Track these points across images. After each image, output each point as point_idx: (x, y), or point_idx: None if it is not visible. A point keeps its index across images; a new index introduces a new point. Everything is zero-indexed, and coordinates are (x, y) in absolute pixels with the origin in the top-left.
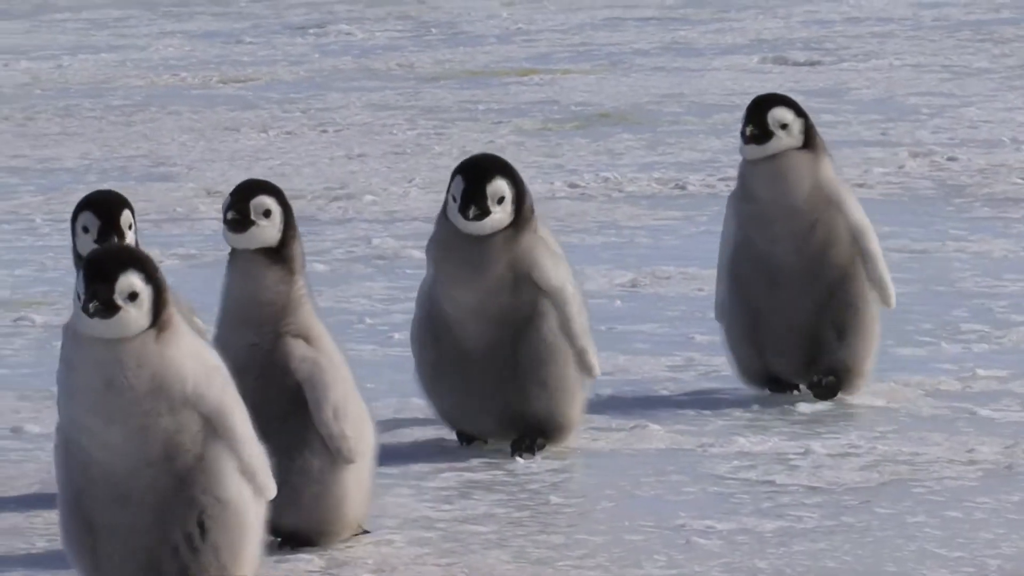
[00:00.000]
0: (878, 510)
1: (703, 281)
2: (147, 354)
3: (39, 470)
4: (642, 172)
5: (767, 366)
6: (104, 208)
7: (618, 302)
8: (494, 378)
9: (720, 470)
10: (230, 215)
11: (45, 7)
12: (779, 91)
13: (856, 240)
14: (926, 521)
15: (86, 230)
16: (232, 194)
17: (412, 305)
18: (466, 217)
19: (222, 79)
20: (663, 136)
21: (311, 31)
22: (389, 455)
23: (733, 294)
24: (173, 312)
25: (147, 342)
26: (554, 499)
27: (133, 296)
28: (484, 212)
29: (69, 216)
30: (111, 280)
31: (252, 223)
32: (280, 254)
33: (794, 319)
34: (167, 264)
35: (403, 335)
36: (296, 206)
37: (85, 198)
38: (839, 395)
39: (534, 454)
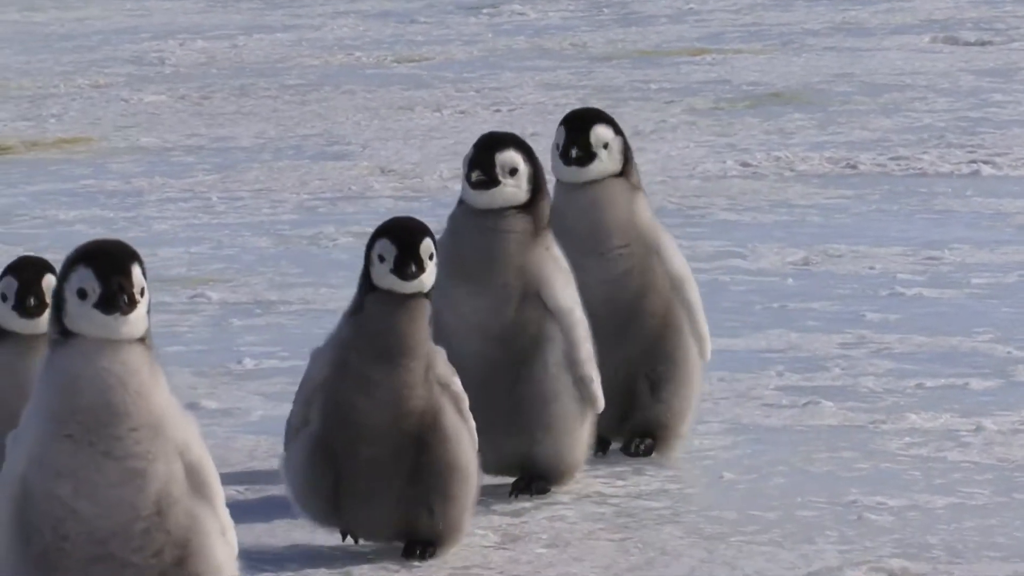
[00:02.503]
0: None
1: (874, 259)
2: (144, 381)
3: (215, 446)
4: (813, 151)
5: None
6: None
7: (790, 280)
8: (494, 412)
9: (891, 447)
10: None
11: None
12: (944, 71)
13: (675, 289)
14: None
15: None
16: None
17: None
18: (471, 184)
19: (396, 58)
20: (834, 115)
21: (484, 11)
22: None
23: None
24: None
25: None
26: (727, 475)
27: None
28: (492, 180)
29: (244, 194)
30: (128, 273)
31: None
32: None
33: (605, 372)
34: (341, 242)
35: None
36: None
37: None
38: (653, 454)
39: (532, 496)
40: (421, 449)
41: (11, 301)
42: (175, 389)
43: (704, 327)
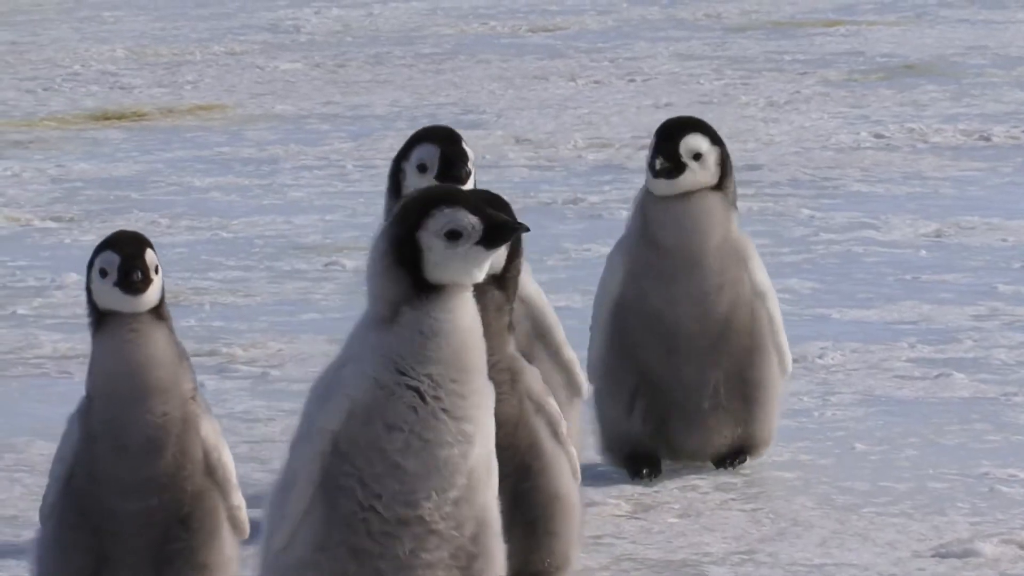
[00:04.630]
0: None
1: (1007, 231)
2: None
3: None
4: (947, 123)
5: (644, 439)
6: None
7: (923, 252)
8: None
9: (1023, 419)
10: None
11: None
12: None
13: (760, 303)
14: None
15: None
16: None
17: None
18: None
19: (531, 28)
20: (967, 88)
21: None
22: None
23: (615, 355)
24: None
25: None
26: (859, 446)
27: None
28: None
29: (379, 162)
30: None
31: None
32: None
33: (696, 391)
34: None
35: None
36: (605, 154)
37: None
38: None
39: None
40: (521, 476)
41: (112, 277)
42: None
43: (784, 341)
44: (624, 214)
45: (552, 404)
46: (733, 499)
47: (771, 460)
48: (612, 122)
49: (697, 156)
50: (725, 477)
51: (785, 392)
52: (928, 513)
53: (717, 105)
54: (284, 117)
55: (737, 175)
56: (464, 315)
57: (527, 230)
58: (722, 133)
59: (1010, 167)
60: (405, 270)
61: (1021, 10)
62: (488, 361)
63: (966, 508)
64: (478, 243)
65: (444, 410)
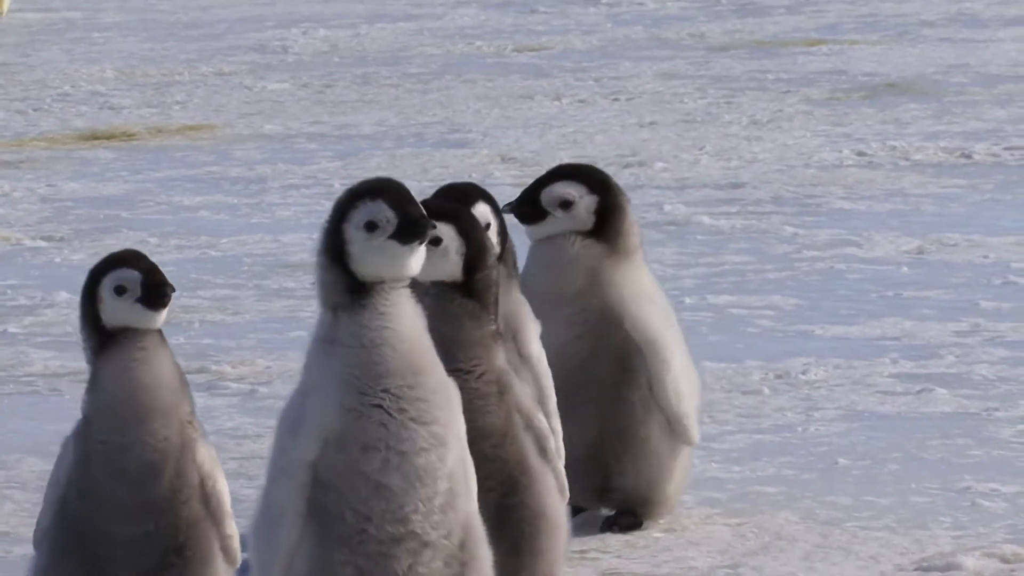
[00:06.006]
0: None
1: (988, 248)
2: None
3: None
4: (928, 141)
5: None
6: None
7: (904, 268)
8: None
9: (1005, 434)
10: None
11: None
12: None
13: (643, 361)
14: None
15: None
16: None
17: (703, 270)
18: None
19: (516, 48)
20: (949, 106)
21: (603, 1)
22: None
23: None
24: None
25: None
26: (842, 461)
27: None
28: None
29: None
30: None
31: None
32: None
33: (577, 438)
34: None
35: (693, 300)
36: None
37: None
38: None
39: None
40: (508, 491)
41: (135, 293)
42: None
43: (680, 406)
44: None
45: (541, 420)
46: (718, 514)
47: (755, 475)
48: (596, 140)
49: (565, 204)
50: (710, 492)
51: (687, 459)
52: (911, 527)
53: (700, 123)
54: (272, 137)
55: (720, 193)
56: (399, 316)
57: (434, 227)
58: (705, 151)
59: (991, 184)
60: (339, 268)
61: (1001, 29)
62: (474, 371)
63: (948, 522)
64: (391, 237)
65: (412, 419)
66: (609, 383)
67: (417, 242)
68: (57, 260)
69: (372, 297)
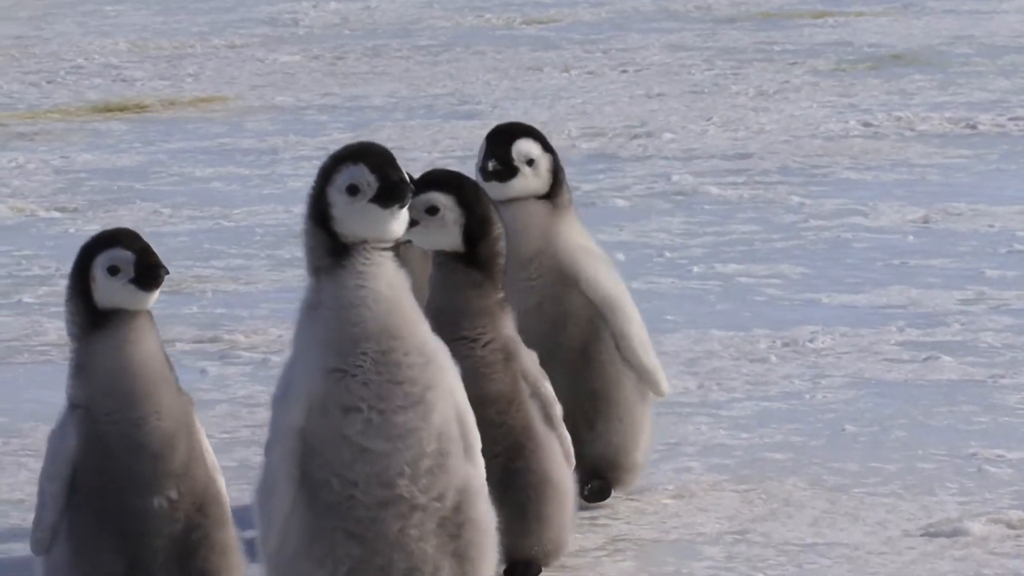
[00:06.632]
0: None
1: (993, 217)
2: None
3: None
4: (933, 111)
5: None
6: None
7: (910, 237)
8: None
9: (1011, 401)
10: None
11: None
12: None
13: (604, 322)
14: None
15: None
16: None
17: (711, 239)
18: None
19: (525, 20)
20: (954, 76)
21: None
22: (688, 386)
23: None
24: None
25: None
26: (849, 428)
27: None
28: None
29: None
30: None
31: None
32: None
33: None
34: None
35: (701, 268)
36: (598, 143)
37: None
38: (613, 493)
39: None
40: (512, 456)
41: (128, 273)
42: None
43: (647, 360)
44: (619, 202)
45: (547, 387)
46: (726, 480)
47: (763, 442)
48: (605, 112)
49: (530, 161)
50: (718, 459)
51: (647, 409)
52: (917, 493)
53: (708, 94)
54: (283, 108)
55: (727, 163)
56: (377, 276)
57: (413, 192)
58: (713, 122)
59: (996, 154)
60: (323, 231)
61: (1005, 1)
62: (479, 339)
63: (954, 488)
64: (372, 200)
65: (390, 380)
66: (578, 347)
67: (397, 205)
68: (71, 231)
69: (352, 258)
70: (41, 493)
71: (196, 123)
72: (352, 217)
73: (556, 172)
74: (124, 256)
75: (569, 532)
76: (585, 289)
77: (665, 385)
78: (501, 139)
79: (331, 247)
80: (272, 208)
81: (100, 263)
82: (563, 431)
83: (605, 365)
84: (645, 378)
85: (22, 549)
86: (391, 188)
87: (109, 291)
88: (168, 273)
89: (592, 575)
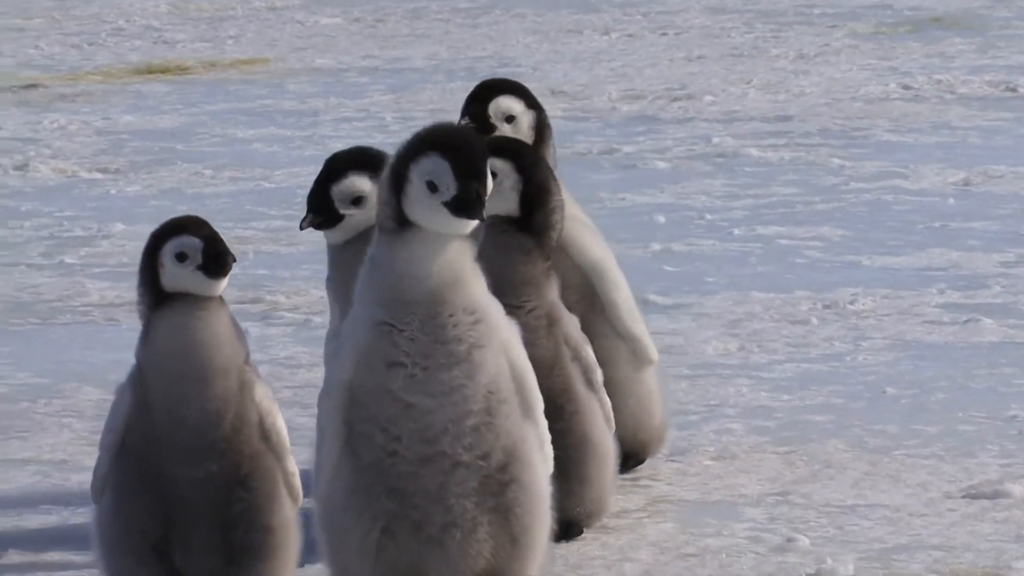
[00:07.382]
0: None
1: None
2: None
3: None
4: (973, 74)
5: None
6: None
7: (951, 200)
8: None
9: None
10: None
11: None
12: None
13: (592, 285)
14: None
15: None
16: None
17: (752, 202)
18: None
19: None
20: (993, 40)
21: None
22: (730, 348)
23: None
24: None
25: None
26: (890, 390)
27: None
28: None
29: (418, 114)
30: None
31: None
32: None
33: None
34: None
35: (742, 231)
36: (638, 106)
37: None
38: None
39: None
40: (554, 417)
41: (196, 260)
42: None
43: (635, 327)
44: (660, 164)
45: (589, 352)
46: (767, 442)
47: (804, 404)
48: (645, 74)
49: (510, 118)
50: (759, 421)
51: (653, 382)
52: (958, 455)
53: (748, 58)
54: (324, 70)
55: (768, 126)
56: (432, 258)
57: (482, 220)
58: (753, 85)
59: None
60: (396, 200)
61: None
62: (523, 306)
63: (995, 450)
64: (446, 203)
65: (436, 340)
66: (579, 319)
67: (468, 218)
68: (113, 192)
69: (414, 231)
70: (101, 443)
71: (237, 85)
72: (419, 206)
73: (540, 129)
74: (192, 243)
75: (611, 493)
76: (575, 256)
77: (653, 352)
78: (479, 96)
79: (398, 213)
80: (313, 170)
81: (168, 249)
82: (603, 395)
83: (600, 340)
84: (632, 346)
85: (65, 509)
86: (466, 203)
87: (176, 277)
88: (236, 260)
89: (633, 536)
